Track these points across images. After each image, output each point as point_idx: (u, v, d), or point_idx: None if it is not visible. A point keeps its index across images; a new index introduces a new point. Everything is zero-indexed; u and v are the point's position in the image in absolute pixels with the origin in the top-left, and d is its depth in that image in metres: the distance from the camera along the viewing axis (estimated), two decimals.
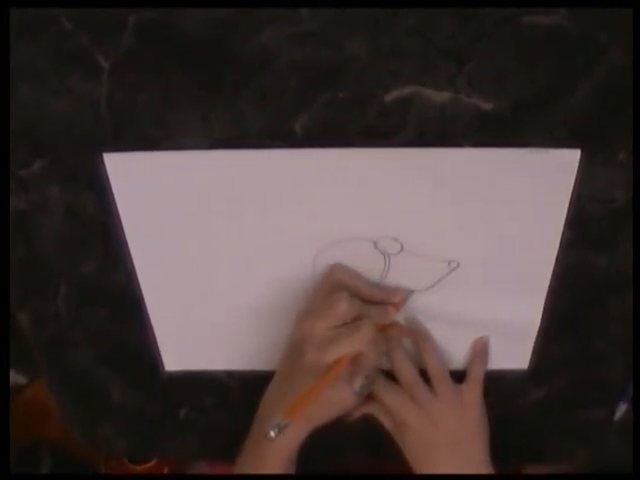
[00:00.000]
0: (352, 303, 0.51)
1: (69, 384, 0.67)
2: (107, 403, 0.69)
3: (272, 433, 0.48)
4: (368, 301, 0.53)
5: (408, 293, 0.56)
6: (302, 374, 0.52)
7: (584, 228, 0.52)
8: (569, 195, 0.49)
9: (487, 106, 0.45)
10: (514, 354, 0.61)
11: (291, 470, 0.58)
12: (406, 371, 0.58)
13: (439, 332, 0.59)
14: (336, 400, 0.54)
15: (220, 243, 0.54)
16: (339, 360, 0.50)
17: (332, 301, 0.51)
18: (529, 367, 0.62)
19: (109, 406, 0.69)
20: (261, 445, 0.56)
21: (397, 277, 0.55)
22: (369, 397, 0.61)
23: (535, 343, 0.60)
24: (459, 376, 0.60)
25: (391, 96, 0.45)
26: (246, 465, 0.57)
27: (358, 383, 0.53)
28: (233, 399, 0.67)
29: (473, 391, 0.59)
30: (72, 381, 0.67)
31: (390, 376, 0.59)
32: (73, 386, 0.68)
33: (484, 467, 0.59)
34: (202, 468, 0.79)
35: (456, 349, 0.61)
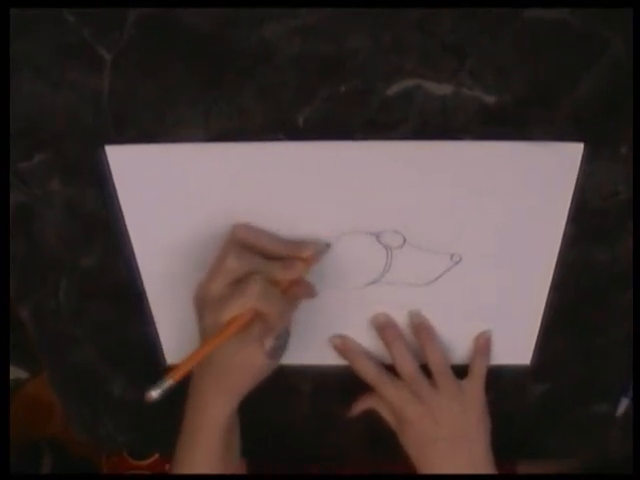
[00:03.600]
0: (242, 257, 0.48)
1: (70, 379, 0.67)
2: (108, 398, 0.69)
3: (153, 393, 0.45)
4: (274, 257, 0.50)
5: (322, 247, 0.52)
6: (202, 337, 0.50)
7: (587, 222, 0.51)
8: (572, 189, 0.49)
9: (489, 99, 0.45)
10: (516, 349, 0.61)
11: (231, 445, 0.58)
12: (407, 365, 0.58)
13: (441, 326, 0.59)
14: (249, 363, 0.52)
15: (222, 237, 0.53)
16: (233, 319, 0.47)
17: (222, 257, 0.48)
18: (531, 362, 0.62)
19: (110, 401, 0.69)
20: (191, 421, 0.56)
21: (399, 270, 0.55)
22: (370, 391, 0.61)
23: (537, 338, 0.60)
24: (461, 371, 0.60)
25: (393, 89, 0.45)
26: (183, 444, 0.57)
27: (268, 343, 0.51)
28: None
29: (475, 386, 0.59)
30: (73, 376, 0.67)
31: (391, 370, 0.59)
32: (74, 381, 0.68)
33: (485, 463, 0.59)
34: None
35: (458, 343, 0.60)
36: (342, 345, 0.61)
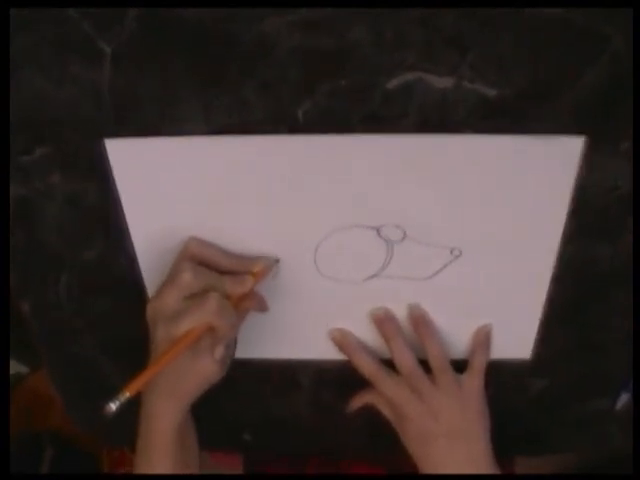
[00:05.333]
0: (197, 273, 0.50)
1: (70, 373, 0.67)
2: (108, 392, 0.69)
3: (113, 406, 0.47)
4: (226, 271, 0.52)
5: (272, 263, 0.55)
6: (156, 350, 0.51)
7: (587, 217, 0.51)
8: (572, 183, 0.49)
9: (490, 93, 0.45)
10: (516, 344, 0.61)
11: (187, 446, 0.59)
12: (406, 361, 0.58)
13: (441, 320, 0.59)
14: (200, 373, 0.53)
15: (221, 230, 0.54)
16: (187, 333, 0.49)
17: (177, 272, 0.50)
18: (531, 357, 0.62)
19: (111, 395, 0.69)
20: (145, 427, 0.57)
21: (400, 264, 0.55)
22: (369, 386, 0.61)
23: (537, 333, 0.60)
24: (461, 365, 0.60)
25: (393, 83, 0.45)
26: (140, 447, 0.59)
27: (219, 353, 0.52)
28: (235, 387, 0.67)
29: (474, 381, 0.59)
30: (73, 370, 0.67)
31: (390, 364, 0.59)
32: (74, 375, 0.68)
33: (485, 458, 0.59)
34: (204, 458, 0.79)
35: (458, 338, 0.60)
36: (341, 339, 0.61)
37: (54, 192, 0.52)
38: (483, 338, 0.60)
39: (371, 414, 0.62)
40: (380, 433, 0.63)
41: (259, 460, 0.84)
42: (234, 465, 0.84)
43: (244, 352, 0.63)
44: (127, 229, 0.54)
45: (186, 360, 0.52)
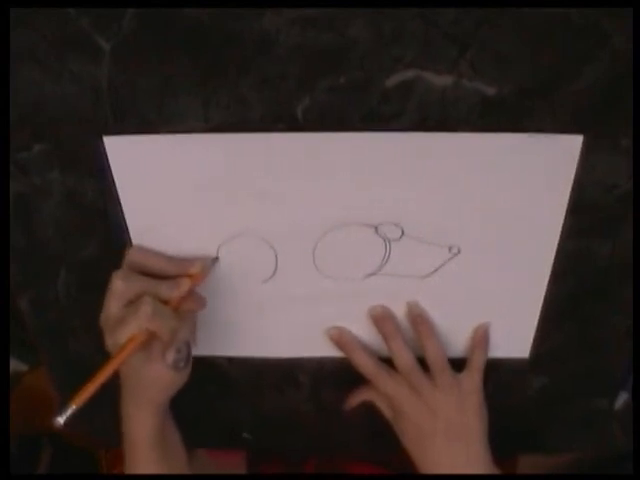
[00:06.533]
0: (128, 279, 0.50)
1: (68, 370, 0.67)
2: (106, 390, 0.68)
3: (60, 420, 0.47)
4: (164, 276, 0.52)
5: (209, 263, 0.55)
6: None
7: (586, 215, 0.51)
8: (571, 181, 0.49)
9: (489, 91, 0.45)
10: (514, 342, 0.61)
11: (169, 451, 0.59)
12: (404, 359, 0.58)
13: (439, 319, 0.59)
14: (157, 378, 0.54)
15: (220, 228, 0.54)
16: (128, 341, 0.49)
17: (110, 282, 0.51)
18: (529, 356, 0.62)
19: (108, 394, 0.69)
20: (124, 433, 0.58)
21: (398, 262, 0.55)
22: (367, 383, 0.61)
23: (536, 331, 0.60)
24: (459, 364, 0.60)
25: (392, 81, 0.45)
26: (123, 448, 0.59)
27: (170, 357, 0.53)
28: (234, 386, 0.67)
29: (472, 379, 0.59)
30: (71, 367, 0.67)
31: (389, 362, 0.59)
32: (72, 372, 0.68)
33: (483, 456, 0.58)
34: (202, 456, 0.79)
35: (456, 336, 0.60)
36: (339, 337, 0.61)
37: (53, 189, 0.52)
38: (481, 336, 0.60)
39: (371, 413, 0.62)
40: (380, 432, 0.63)
41: (263, 459, 0.83)
42: (237, 464, 0.84)
43: (243, 350, 0.63)
44: (126, 226, 0.54)
45: (141, 369, 0.53)
